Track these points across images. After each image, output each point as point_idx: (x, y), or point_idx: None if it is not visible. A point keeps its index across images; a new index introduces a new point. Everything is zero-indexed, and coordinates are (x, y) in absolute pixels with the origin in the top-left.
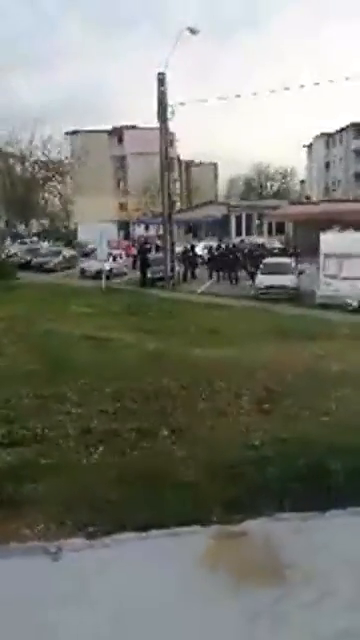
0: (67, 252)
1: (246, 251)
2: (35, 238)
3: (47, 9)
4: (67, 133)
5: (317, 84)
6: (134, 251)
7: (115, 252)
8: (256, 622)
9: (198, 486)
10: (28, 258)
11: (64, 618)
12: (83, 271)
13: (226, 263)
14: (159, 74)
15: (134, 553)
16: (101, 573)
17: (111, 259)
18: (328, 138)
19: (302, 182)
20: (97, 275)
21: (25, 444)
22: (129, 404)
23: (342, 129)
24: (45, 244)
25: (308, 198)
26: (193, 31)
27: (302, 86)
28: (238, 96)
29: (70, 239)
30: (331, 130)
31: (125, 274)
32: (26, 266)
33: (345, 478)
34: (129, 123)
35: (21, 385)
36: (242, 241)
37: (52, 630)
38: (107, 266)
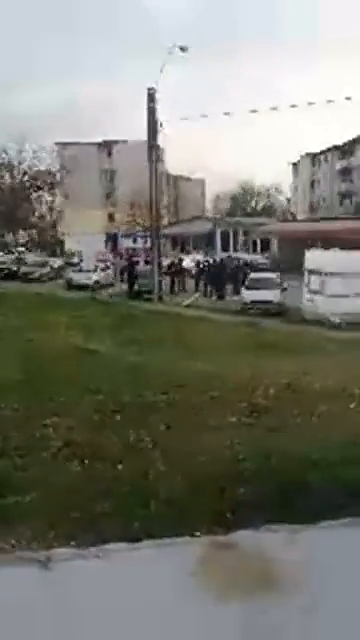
0: (54, 263)
1: (232, 266)
2: (22, 248)
3: (37, 23)
4: (57, 144)
5: (311, 104)
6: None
7: (102, 264)
8: (251, 632)
9: (182, 501)
10: (14, 268)
11: (53, 628)
12: (70, 282)
13: (213, 277)
14: (149, 90)
15: (125, 563)
16: (92, 583)
17: (98, 270)
18: (314, 158)
19: (288, 200)
20: (84, 286)
21: (5, 457)
22: (112, 417)
23: (327, 149)
24: (31, 255)
25: (293, 215)
26: (183, 49)
27: (293, 106)
28: (227, 114)
29: (54, 249)
30: (316, 150)
31: (112, 285)
32: (12, 276)
33: (329, 493)
34: (119, 137)
35: (2, 396)
36: (229, 256)
37: None
38: (94, 277)
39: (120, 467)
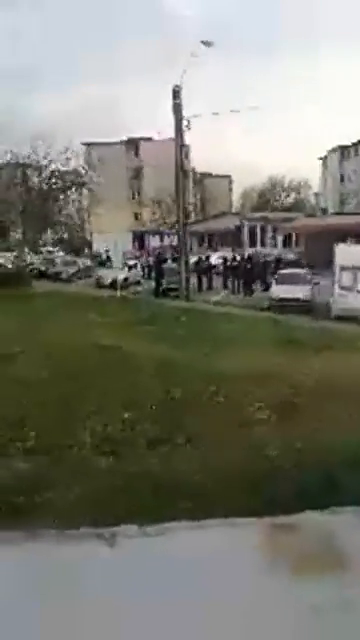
0: (82, 262)
1: (261, 262)
2: (50, 248)
3: (59, 24)
4: (83, 144)
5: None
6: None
7: (130, 262)
8: (322, 611)
9: (213, 496)
10: (44, 268)
11: (119, 605)
12: (99, 280)
13: (241, 274)
14: (174, 87)
15: (189, 542)
16: (156, 561)
17: (126, 269)
18: (343, 151)
19: (316, 194)
20: (112, 284)
21: (41, 452)
22: (143, 412)
23: (358, 142)
24: (61, 254)
25: (323, 210)
26: (207, 43)
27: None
28: (254, 108)
29: (77, 248)
30: (346, 143)
31: (139, 283)
32: (42, 276)
33: None
34: (145, 135)
35: (34, 393)
36: (256, 252)
37: (107, 616)
38: (122, 276)
39: None
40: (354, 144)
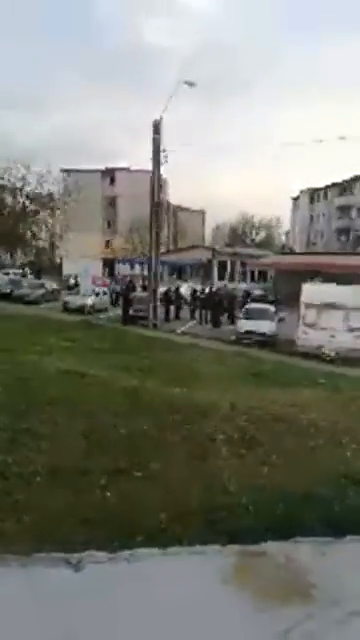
0: (50, 285)
1: (230, 295)
2: (18, 270)
3: (46, 56)
4: (62, 170)
5: (300, 144)
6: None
7: (98, 289)
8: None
9: (170, 532)
10: (9, 290)
11: (84, 629)
12: (66, 305)
13: (209, 306)
14: (155, 121)
15: (155, 568)
16: (122, 586)
17: (94, 295)
18: (313, 193)
19: (287, 233)
20: (79, 309)
21: None
22: (102, 442)
23: (327, 186)
24: (29, 277)
25: (291, 249)
26: (190, 84)
27: (299, 144)
28: (229, 146)
29: (46, 271)
30: (317, 185)
31: (106, 310)
32: (7, 297)
33: (322, 528)
34: (122, 165)
35: None
36: (225, 286)
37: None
38: (90, 301)
39: None
40: (324, 187)
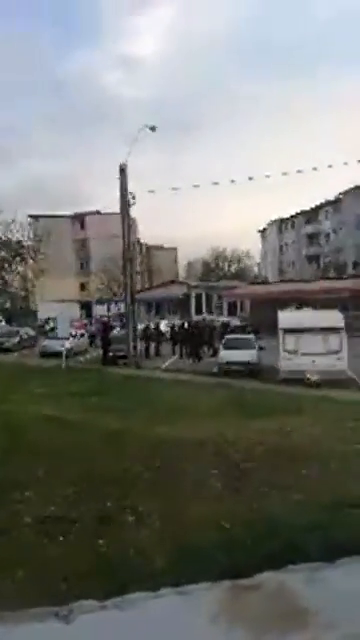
0: (25, 332)
1: (208, 328)
2: None
3: (10, 108)
4: (30, 216)
5: (267, 176)
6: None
7: (75, 331)
8: None
9: (165, 576)
10: None
11: None
12: (44, 350)
13: (189, 340)
14: (121, 165)
15: (148, 612)
16: (115, 635)
17: (71, 338)
18: (281, 223)
19: (258, 264)
20: (57, 354)
21: None
22: (90, 488)
23: (293, 216)
24: (2, 324)
25: (264, 279)
26: (152, 128)
27: (267, 176)
28: (196, 186)
29: (26, 319)
30: (284, 215)
31: (86, 351)
32: None
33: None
34: (91, 208)
35: None
36: (203, 319)
37: None
38: (67, 345)
39: None
40: (291, 217)
